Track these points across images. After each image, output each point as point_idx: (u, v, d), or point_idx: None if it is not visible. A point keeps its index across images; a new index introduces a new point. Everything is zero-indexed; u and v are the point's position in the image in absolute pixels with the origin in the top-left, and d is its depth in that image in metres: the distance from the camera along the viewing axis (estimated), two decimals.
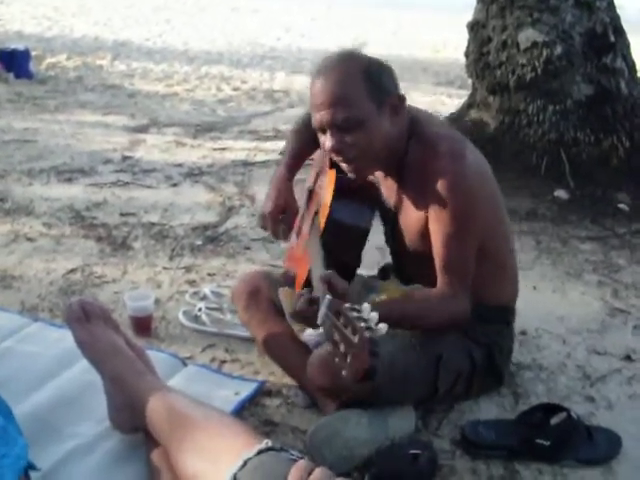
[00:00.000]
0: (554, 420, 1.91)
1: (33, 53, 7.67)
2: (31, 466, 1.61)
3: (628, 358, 2.40)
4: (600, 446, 1.91)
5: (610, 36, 4.16)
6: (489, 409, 2.09)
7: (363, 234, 2.02)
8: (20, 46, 7.35)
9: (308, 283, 1.86)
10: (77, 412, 1.95)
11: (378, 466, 1.77)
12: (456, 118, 4.71)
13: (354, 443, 1.81)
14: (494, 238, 1.98)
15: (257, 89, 7.32)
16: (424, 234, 1.90)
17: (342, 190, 1.97)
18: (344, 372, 1.35)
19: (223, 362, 2.30)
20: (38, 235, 3.25)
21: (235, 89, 7.27)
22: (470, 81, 4.80)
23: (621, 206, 3.82)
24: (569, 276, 3.04)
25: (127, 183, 4.06)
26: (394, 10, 16.34)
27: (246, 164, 4.53)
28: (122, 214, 3.55)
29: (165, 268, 2.96)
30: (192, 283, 2.83)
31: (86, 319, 1.88)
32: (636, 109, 4.22)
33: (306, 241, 2.12)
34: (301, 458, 1.43)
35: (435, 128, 1.93)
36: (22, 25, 11.04)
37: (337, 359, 1.38)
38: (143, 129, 5.42)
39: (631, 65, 4.26)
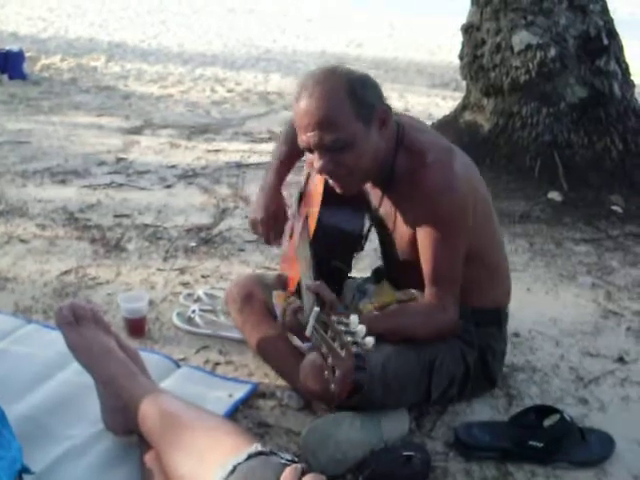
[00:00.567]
0: (547, 422, 1.91)
1: (27, 54, 7.66)
2: (25, 469, 1.61)
3: (621, 360, 2.41)
4: (593, 448, 1.91)
5: (604, 39, 4.18)
6: (482, 411, 2.09)
7: (353, 239, 2.02)
8: (14, 47, 7.33)
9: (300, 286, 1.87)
10: (71, 414, 1.94)
11: (371, 468, 1.77)
12: (450, 120, 4.72)
13: (347, 445, 1.81)
14: (485, 242, 1.99)
15: (251, 91, 7.32)
16: (413, 243, 1.90)
17: (332, 196, 1.94)
18: (332, 386, 1.36)
19: (217, 364, 2.30)
20: (32, 236, 3.24)
21: (229, 91, 7.27)
22: (464, 83, 4.81)
23: (614, 208, 3.83)
24: (563, 278, 3.05)
25: (121, 185, 4.06)
26: (389, 12, 16.37)
27: (240, 166, 4.53)
28: (116, 216, 3.55)
29: (159, 270, 2.96)
30: (186, 285, 2.83)
31: (77, 322, 1.87)
32: (629, 112, 4.24)
33: (297, 246, 2.12)
34: (292, 461, 1.42)
35: (422, 136, 1.91)
36: (17, 26, 11.03)
37: (326, 372, 1.38)
38: (137, 131, 5.42)
39: (624, 68, 4.28)
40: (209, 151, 4.89)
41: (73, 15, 13.14)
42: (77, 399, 1.99)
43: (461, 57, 4.66)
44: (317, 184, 2.07)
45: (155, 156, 4.72)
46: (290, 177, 2.27)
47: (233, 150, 4.94)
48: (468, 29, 4.54)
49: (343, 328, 1.38)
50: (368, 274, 2.29)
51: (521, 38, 4.18)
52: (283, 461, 1.42)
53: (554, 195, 3.93)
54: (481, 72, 4.42)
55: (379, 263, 2.33)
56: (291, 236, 2.28)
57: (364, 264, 2.61)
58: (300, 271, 1.95)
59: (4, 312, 2.53)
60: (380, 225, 2.04)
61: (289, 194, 2.31)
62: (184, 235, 3.34)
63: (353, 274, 2.17)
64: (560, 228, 3.62)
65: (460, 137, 4.26)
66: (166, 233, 3.36)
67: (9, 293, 2.71)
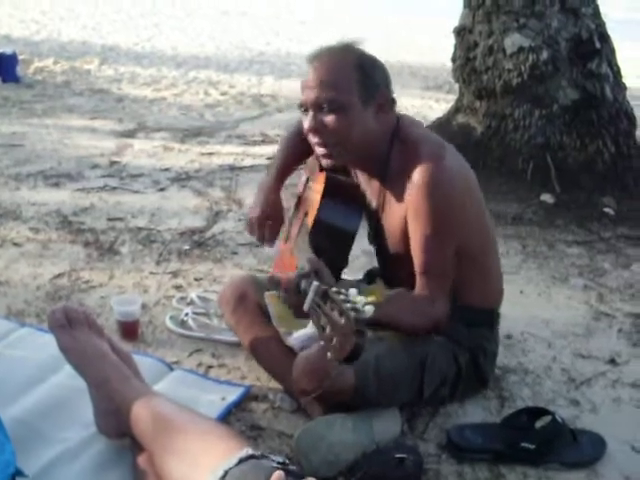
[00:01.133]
0: (539, 423, 1.92)
1: (20, 57, 7.65)
2: (19, 472, 1.61)
3: (613, 362, 2.42)
4: (585, 449, 1.92)
5: (595, 42, 4.20)
6: (475, 413, 2.10)
7: (350, 236, 2.06)
8: (7, 50, 7.33)
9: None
10: (64, 417, 1.94)
11: (364, 470, 1.77)
12: (443, 123, 4.74)
13: (340, 447, 1.81)
14: (476, 241, 1.99)
15: (245, 94, 7.33)
16: (406, 235, 1.92)
17: (332, 192, 2.02)
18: (329, 354, 1.36)
19: (210, 367, 2.30)
20: (25, 240, 3.23)
21: (223, 94, 7.27)
22: (457, 86, 4.83)
23: (607, 210, 3.84)
24: (555, 280, 3.06)
25: (114, 188, 4.06)
26: (383, 15, 16.39)
27: (233, 169, 4.54)
28: (109, 219, 3.55)
29: (152, 273, 2.96)
30: (179, 288, 2.83)
31: (70, 325, 1.87)
32: (621, 114, 4.26)
33: (294, 243, 2.13)
34: (284, 464, 1.43)
35: (418, 130, 1.96)
36: (10, 29, 11.02)
37: (322, 342, 1.39)
38: (131, 134, 5.42)
39: (616, 71, 4.30)
40: (202, 154, 4.90)
41: (66, 18, 13.13)
42: (70, 402, 1.99)
43: (454, 60, 4.67)
44: (318, 182, 2.10)
45: (148, 159, 4.72)
46: (290, 179, 2.30)
47: (226, 153, 4.95)
48: (460, 32, 4.55)
49: (343, 297, 1.40)
50: (357, 275, 2.30)
51: (513, 41, 4.19)
52: (274, 464, 1.42)
53: (546, 197, 3.94)
54: (473, 75, 4.43)
55: (372, 265, 2.34)
56: (287, 238, 2.30)
57: (353, 265, 2.61)
58: (298, 266, 1.96)
59: None
60: (374, 218, 2.06)
61: (289, 195, 2.32)
62: (177, 238, 3.34)
63: (347, 276, 2.18)
64: (552, 230, 3.63)
65: (453, 139, 4.21)
66: (159, 236, 3.36)
67: (2, 296, 2.71)
